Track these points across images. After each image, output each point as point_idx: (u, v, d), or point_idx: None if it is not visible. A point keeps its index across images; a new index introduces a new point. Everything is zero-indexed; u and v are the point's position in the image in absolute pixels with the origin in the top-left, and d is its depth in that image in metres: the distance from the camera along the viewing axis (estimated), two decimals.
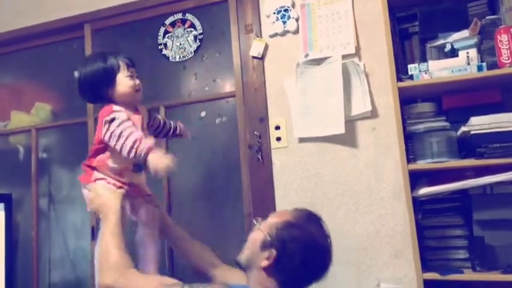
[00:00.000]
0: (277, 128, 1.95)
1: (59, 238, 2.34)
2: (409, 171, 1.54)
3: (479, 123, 1.47)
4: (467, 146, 1.53)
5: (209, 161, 2.16)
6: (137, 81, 1.39)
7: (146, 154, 1.24)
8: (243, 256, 1.23)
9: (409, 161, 1.58)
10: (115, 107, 1.33)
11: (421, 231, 1.59)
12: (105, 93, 1.35)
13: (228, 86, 2.13)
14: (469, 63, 1.53)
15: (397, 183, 1.71)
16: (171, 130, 1.63)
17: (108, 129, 1.28)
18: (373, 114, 1.80)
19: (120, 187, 1.37)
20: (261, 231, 1.20)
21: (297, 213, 1.22)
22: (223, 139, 2.13)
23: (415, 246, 1.51)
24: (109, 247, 1.24)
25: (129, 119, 1.32)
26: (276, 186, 1.93)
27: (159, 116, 1.63)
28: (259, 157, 1.96)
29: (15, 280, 2.30)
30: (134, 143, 1.25)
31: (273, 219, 1.21)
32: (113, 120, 1.28)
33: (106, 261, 1.22)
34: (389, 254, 1.72)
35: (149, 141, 1.27)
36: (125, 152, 1.26)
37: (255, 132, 1.98)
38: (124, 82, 1.36)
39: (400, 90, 1.57)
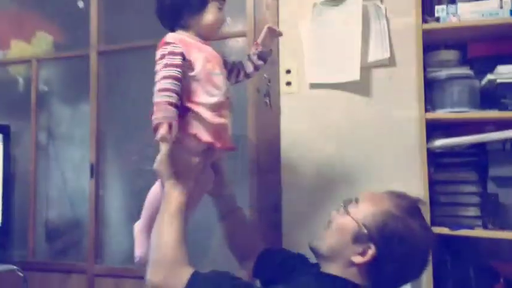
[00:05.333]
0: (288, 72, 1.85)
1: (57, 174, 2.29)
2: (426, 120, 1.45)
3: (507, 72, 1.37)
4: (491, 96, 1.44)
5: None
6: (226, 17, 1.17)
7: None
8: (326, 245, 1.02)
9: (426, 110, 1.48)
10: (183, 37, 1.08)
11: (433, 186, 1.51)
12: (186, 20, 1.12)
13: (239, 25, 2.01)
14: (501, 7, 1.42)
15: (410, 135, 1.61)
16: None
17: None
18: (391, 62, 1.69)
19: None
20: (352, 219, 1.00)
21: (397, 200, 1.01)
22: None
23: (426, 201, 1.44)
24: (164, 237, 1.05)
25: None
26: (283, 134, 1.84)
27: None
28: (267, 101, 1.87)
29: (12, 214, 2.26)
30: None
31: (368, 206, 1.00)
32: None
33: (158, 253, 1.05)
34: None
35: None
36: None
37: (264, 75, 1.87)
38: (215, 13, 1.14)
39: (424, 34, 1.46)
